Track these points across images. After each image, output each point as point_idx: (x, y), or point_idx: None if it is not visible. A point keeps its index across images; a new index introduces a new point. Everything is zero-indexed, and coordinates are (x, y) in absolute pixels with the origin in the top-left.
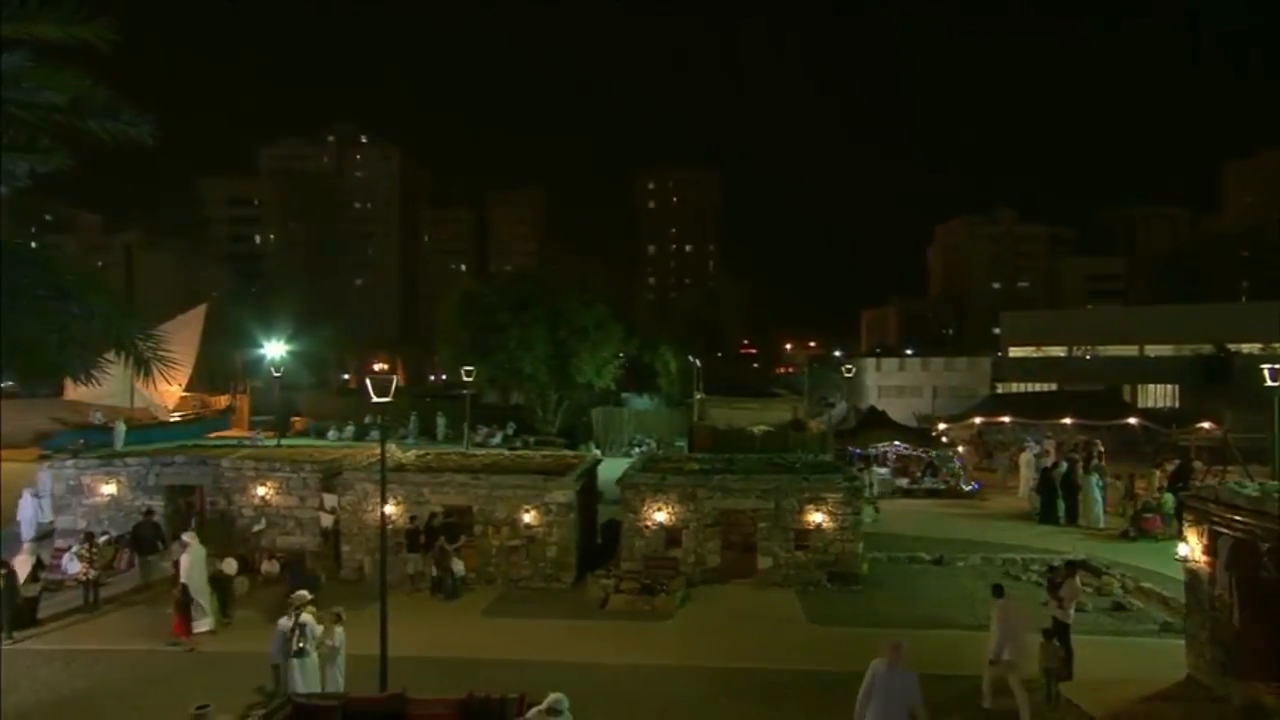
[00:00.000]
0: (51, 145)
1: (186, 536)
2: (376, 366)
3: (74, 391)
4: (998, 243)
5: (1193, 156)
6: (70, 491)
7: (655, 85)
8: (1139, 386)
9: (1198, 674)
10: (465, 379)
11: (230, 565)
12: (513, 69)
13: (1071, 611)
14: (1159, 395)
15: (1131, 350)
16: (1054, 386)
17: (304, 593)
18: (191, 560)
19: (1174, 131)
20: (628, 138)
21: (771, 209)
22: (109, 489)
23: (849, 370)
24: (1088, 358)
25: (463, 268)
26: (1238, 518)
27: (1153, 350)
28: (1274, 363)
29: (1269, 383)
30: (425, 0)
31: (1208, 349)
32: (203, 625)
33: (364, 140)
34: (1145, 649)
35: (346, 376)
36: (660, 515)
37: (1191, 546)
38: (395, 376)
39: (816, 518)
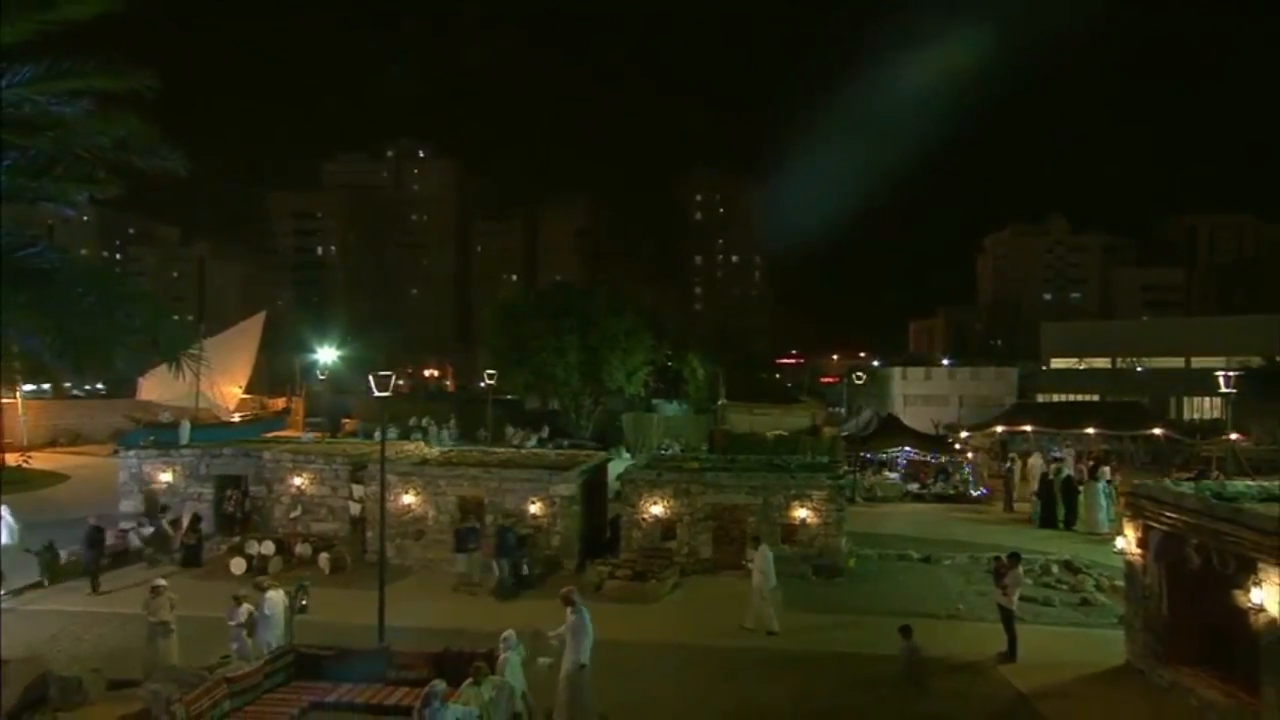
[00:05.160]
0: (106, 177)
1: None
2: (427, 373)
3: (146, 393)
4: (1050, 253)
5: (1262, 163)
6: (132, 479)
7: (705, 93)
8: (1185, 399)
9: (1134, 659)
10: (489, 383)
11: (268, 547)
12: (566, 77)
13: (1015, 599)
14: (1207, 407)
15: (1178, 363)
16: (1096, 398)
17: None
18: None
19: (1243, 137)
20: (680, 147)
21: (823, 217)
22: (166, 477)
23: (859, 378)
24: (1139, 370)
25: (514, 278)
26: (1167, 513)
27: (1202, 362)
28: None
29: (1223, 389)
30: (477, 7)
31: (1256, 361)
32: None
33: (421, 155)
34: (1097, 639)
35: (400, 382)
36: (656, 509)
37: (1128, 539)
38: (392, 379)
39: (802, 513)
